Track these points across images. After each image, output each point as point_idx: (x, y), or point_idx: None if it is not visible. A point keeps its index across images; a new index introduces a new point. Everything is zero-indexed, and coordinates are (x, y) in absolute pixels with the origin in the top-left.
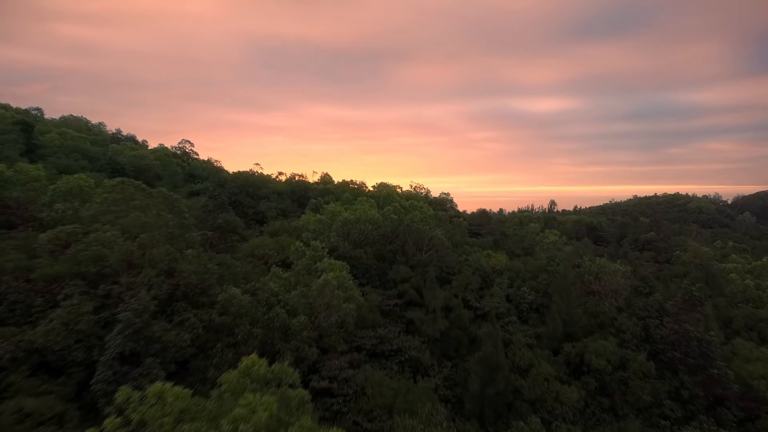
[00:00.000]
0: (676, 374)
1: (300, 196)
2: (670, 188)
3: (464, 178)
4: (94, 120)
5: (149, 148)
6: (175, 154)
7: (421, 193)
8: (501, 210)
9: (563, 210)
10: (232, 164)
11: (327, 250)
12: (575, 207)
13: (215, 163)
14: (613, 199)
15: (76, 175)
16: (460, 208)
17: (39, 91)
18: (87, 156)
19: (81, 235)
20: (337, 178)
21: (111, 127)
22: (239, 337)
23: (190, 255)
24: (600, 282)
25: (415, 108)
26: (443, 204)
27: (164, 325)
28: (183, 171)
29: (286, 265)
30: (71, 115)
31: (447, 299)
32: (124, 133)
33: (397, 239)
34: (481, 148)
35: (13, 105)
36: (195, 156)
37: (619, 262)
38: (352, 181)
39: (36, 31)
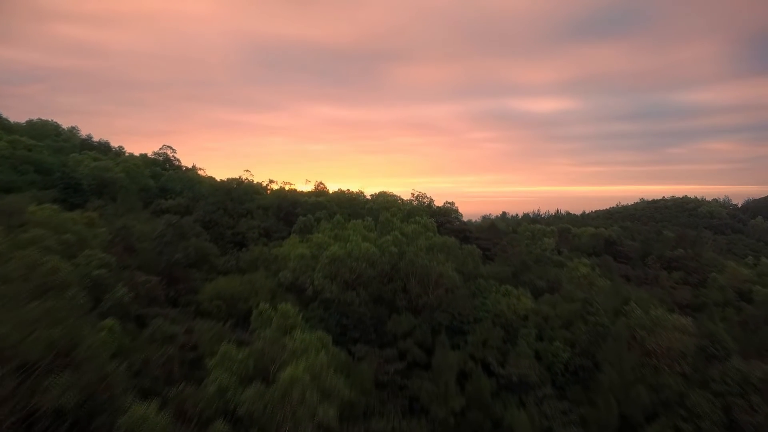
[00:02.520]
0: None
1: (287, 213)
2: (671, 188)
3: (465, 178)
4: (95, 119)
5: (127, 155)
6: (155, 162)
7: (424, 202)
8: (504, 213)
9: (568, 212)
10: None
11: (301, 315)
12: (583, 212)
13: (200, 172)
14: (620, 203)
15: None
16: (461, 209)
17: (39, 90)
18: (40, 168)
19: None
20: (335, 179)
21: (112, 126)
22: None
23: (88, 345)
24: (656, 338)
25: (416, 108)
26: (448, 214)
27: None
28: (156, 183)
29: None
30: (39, 119)
31: (461, 361)
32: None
33: (398, 276)
34: (481, 148)
35: (13, 105)
36: (177, 163)
37: (676, 316)
38: (348, 190)
39: (36, 31)
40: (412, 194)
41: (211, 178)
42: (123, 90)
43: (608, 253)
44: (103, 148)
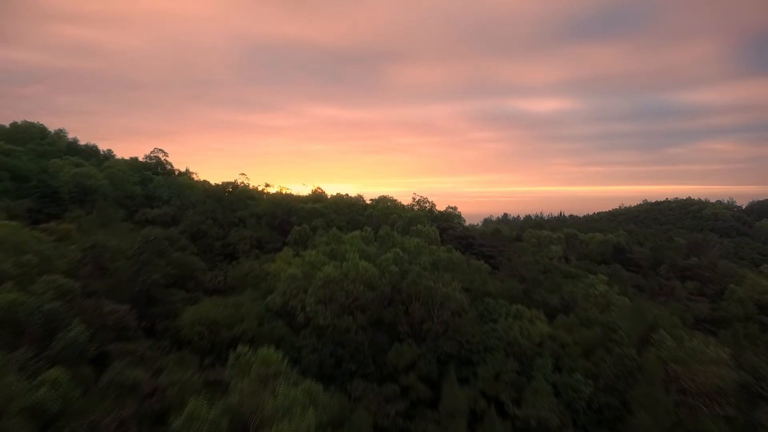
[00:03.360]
0: None
1: (282, 221)
2: (671, 188)
3: (465, 178)
4: (95, 119)
5: (118, 159)
6: (147, 166)
7: (425, 206)
8: (506, 215)
9: (571, 215)
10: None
11: (287, 360)
12: (586, 215)
13: (193, 176)
14: (622, 204)
15: None
16: (461, 209)
17: (39, 91)
18: (17, 175)
19: None
20: (335, 179)
21: (112, 126)
22: None
23: None
24: (691, 374)
25: (416, 108)
26: (450, 219)
27: None
28: (143, 191)
29: (247, 340)
30: (25, 121)
31: (472, 400)
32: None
33: (399, 298)
34: (481, 148)
35: (13, 105)
36: (169, 167)
37: (712, 346)
38: (347, 195)
39: (36, 31)
40: (413, 198)
41: (205, 183)
42: (123, 90)
43: (617, 260)
44: (91, 152)
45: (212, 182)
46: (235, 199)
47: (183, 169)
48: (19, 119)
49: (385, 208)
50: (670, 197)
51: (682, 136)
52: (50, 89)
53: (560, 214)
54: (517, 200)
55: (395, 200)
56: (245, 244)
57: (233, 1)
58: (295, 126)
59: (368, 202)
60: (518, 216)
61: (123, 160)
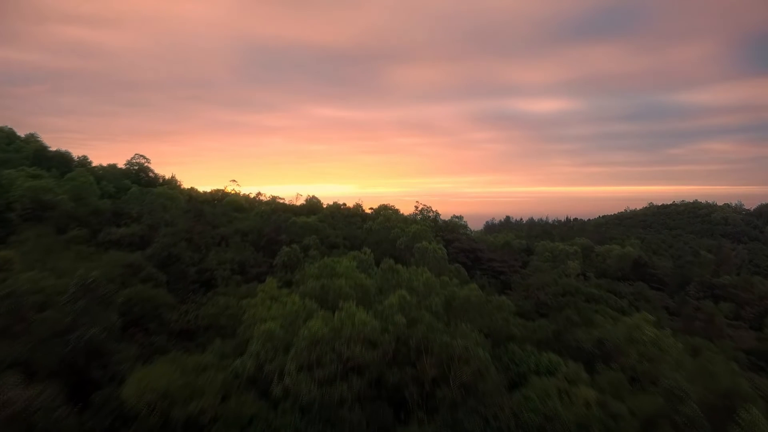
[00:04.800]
0: None
1: (270, 240)
2: (671, 188)
3: (465, 178)
4: (95, 120)
5: (90, 167)
6: (128, 174)
7: (429, 215)
8: (508, 218)
9: (576, 218)
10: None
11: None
12: (589, 218)
13: (179, 184)
14: (628, 207)
15: None
16: (461, 210)
17: (40, 91)
18: None
19: None
20: (334, 179)
21: (112, 126)
22: None
23: None
24: None
25: (415, 109)
26: (456, 230)
27: None
28: (112, 205)
29: (207, 421)
30: None
31: None
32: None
33: (406, 353)
34: (481, 149)
35: (14, 106)
36: (152, 174)
37: None
38: (344, 205)
39: (36, 32)
40: (416, 207)
41: (192, 191)
42: (123, 90)
43: (639, 276)
44: (62, 159)
45: (203, 189)
46: (219, 213)
47: (169, 176)
48: (18, 120)
49: (385, 220)
50: (671, 197)
51: (682, 136)
52: (50, 90)
53: (566, 218)
54: (517, 200)
55: (396, 210)
56: (225, 270)
57: (233, 2)
58: (295, 126)
59: (368, 211)
60: (521, 219)
61: (100, 168)
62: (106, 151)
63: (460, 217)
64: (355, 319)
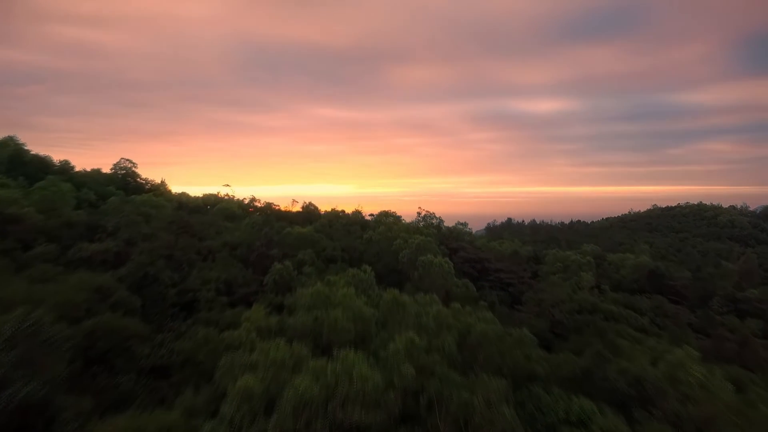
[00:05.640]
0: None
1: (260, 255)
2: (670, 189)
3: (464, 178)
4: (95, 120)
5: (77, 171)
6: (113, 179)
7: (432, 222)
8: (510, 219)
9: (579, 221)
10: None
11: None
12: (594, 221)
13: (168, 189)
14: (632, 210)
15: None
16: (461, 209)
17: (39, 91)
18: None
19: None
20: (334, 180)
21: (112, 127)
22: None
23: None
24: None
25: (415, 109)
26: (460, 238)
27: None
28: (86, 216)
29: None
30: None
31: None
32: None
33: (415, 410)
34: (480, 149)
35: (14, 106)
36: (139, 180)
37: None
38: (343, 211)
39: (36, 32)
40: (418, 213)
41: (183, 196)
42: (123, 91)
43: (655, 288)
44: (41, 164)
45: (201, 190)
46: (208, 223)
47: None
48: (18, 120)
49: (387, 229)
50: (670, 197)
51: (680, 136)
52: (50, 90)
53: (570, 221)
54: (517, 201)
55: (398, 217)
56: (209, 290)
57: (233, 2)
58: (295, 126)
59: (367, 217)
60: (522, 221)
61: (81, 174)
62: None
63: (465, 224)
64: (353, 374)
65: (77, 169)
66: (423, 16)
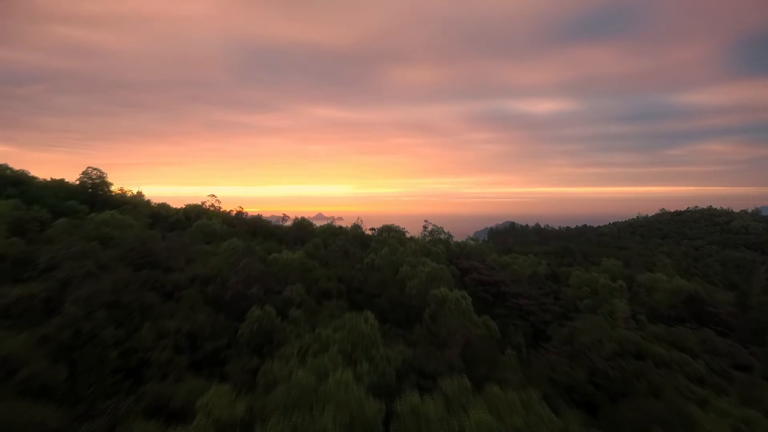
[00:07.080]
0: None
1: (235, 295)
2: (670, 189)
3: (463, 179)
4: (95, 120)
5: (37, 180)
6: (78, 191)
7: (441, 237)
8: (513, 223)
9: (585, 225)
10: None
11: None
12: (601, 225)
13: (143, 201)
14: (639, 214)
15: None
16: (461, 209)
17: (38, 91)
18: None
19: None
20: (333, 180)
21: (112, 126)
22: None
23: None
24: None
25: (414, 109)
26: (471, 256)
27: None
28: (25, 245)
29: None
30: None
31: None
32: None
33: None
34: (480, 149)
35: (13, 106)
36: (108, 191)
37: None
38: (340, 227)
39: (36, 33)
40: (425, 227)
41: (162, 208)
42: (123, 91)
43: (693, 316)
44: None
45: (188, 195)
46: (179, 247)
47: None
48: (18, 119)
49: (391, 251)
50: (670, 197)
51: (680, 137)
52: (49, 90)
53: (576, 226)
54: (517, 201)
55: (402, 231)
56: (165, 349)
57: (232, 3)
58: (294, 127)
59: (368, 232)
60: (526, 224)
61: (40, 185)
62: (105, 151)
63: (477, 240)
64: None
65: (43, 178)
66: (422, 17)
